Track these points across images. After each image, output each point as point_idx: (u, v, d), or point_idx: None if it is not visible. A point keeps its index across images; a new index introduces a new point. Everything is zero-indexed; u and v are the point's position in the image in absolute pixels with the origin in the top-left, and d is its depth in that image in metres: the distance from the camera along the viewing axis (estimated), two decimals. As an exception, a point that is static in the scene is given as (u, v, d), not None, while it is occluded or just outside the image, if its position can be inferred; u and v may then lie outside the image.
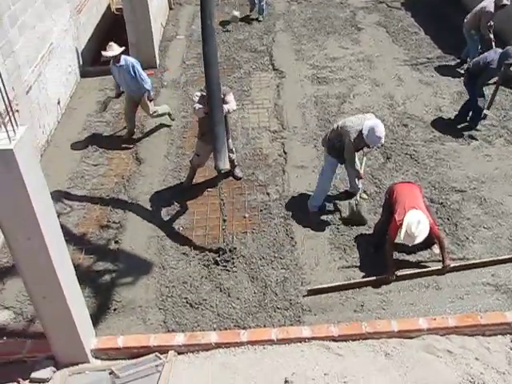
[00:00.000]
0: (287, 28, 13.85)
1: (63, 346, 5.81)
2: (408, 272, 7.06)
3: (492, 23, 10.97)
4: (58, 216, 5.52)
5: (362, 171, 7.77)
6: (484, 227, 7.72)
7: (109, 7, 14.32)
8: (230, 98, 7.93)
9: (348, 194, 8.20)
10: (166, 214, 8.08)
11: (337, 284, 6.93)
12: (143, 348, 5.95)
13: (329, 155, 7.81)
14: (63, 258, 5.38)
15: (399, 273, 6.99)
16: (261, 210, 8.09)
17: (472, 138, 9.53)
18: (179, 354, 5.96)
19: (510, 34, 11.66)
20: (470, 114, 9.85)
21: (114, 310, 6.69)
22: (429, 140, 9.47)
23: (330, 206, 8.14)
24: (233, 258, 7.27)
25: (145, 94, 9.44)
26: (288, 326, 6.35)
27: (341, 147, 7.54)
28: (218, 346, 5.99)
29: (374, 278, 6.96)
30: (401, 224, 6.63)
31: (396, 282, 6.92)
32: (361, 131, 7.31)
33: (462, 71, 11.36)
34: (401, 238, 6.65)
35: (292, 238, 7.60)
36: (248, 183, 8.62)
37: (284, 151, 9.30)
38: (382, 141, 7.40)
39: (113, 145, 9.68)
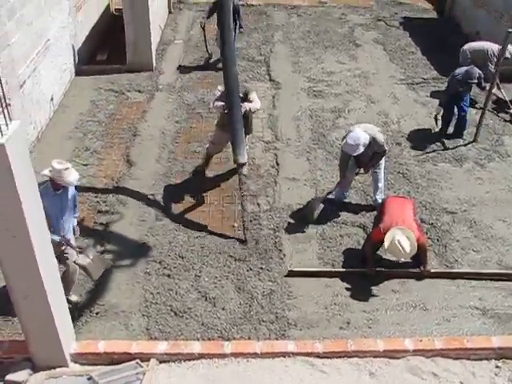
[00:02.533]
0: (285, 40, 13.83)
1: (42, 348, 5.66)
2: (387, 270, 7.25)
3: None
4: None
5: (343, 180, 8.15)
6: (473, 250, 7.70)
7: (108, 7, 14.23)
8: (254, 96, 8.29)
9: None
10: (154, 218, 7.98)
11: (318, 270, 7.22)
12: (124, 354, 5.81)
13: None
14: (48, 258, 5.26)
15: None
16: (250, 221, 7.99)
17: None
18: (161, 362, 5.83)
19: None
20: (454, 124, 10.11)
21: (97, 313, 6.56)
22: (422, 160, 9.46)
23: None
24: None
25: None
26: (273, 339, 6.27)
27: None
28: (201, 356, 5.87)
29: (356, 269, 7.23)
30: (384, 233, 6.80)
31: (383, 301, 6.88)
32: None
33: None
34: (386, 248, 6.85)
35: (280, 250, 7.53)
36: (239, 192, 8.53)
37: (276, 162, 9.24)
38: (356, 150, 7.61)
39: (104, 145, 9.56)
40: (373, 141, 7.68)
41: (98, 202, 8.25)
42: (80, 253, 6.35)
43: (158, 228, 7.82)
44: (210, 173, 8.91)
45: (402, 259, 6.89)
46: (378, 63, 12.86)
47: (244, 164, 7.96)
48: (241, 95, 8.06)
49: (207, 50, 12.52)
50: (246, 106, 8.07)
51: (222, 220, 8.02)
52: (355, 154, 7.70)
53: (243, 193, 7.87)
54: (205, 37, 12.37)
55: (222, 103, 8.06)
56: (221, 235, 7.74)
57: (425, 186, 8.82)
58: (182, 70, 12.15)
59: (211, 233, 7.78)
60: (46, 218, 5.69)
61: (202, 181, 8.74)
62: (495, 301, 6.97)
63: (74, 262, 6.38)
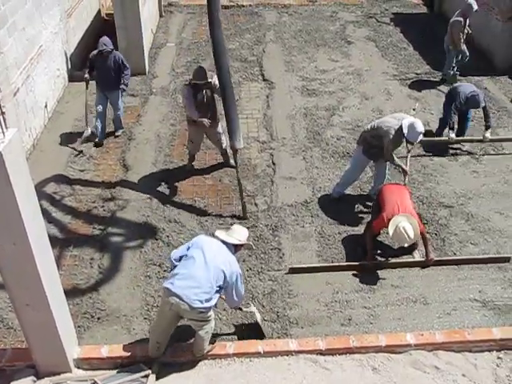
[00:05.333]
0: (278, 39, 13.85)
1: (45, 354, 5.66)
2: (387, 261, 7.39)
3: (462, 35, 11.34)
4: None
5: (407, 167, 8.07)
6: (471, 243, 7.75)
7: (99, 12, 14.24)
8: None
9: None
10: (152, 221, 7.98)
11: (318, 265, 7.27)
12: (128, 358, 5.82)
13: (363, 154, 8.12)
14: (48, 265, 5.26)
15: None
16: (250, 219, 8.01)
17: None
18: (165, 364, 5.85)
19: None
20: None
21: (98, 318, 6.56)
22: (417, 154, 9.48)
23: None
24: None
25: None
26: (275, 338, 6.28)
27: (378, 147, 7.86)
28: (204, 357, 5.89)
29: (356, 263, 7.30)
30: (388, 221, 6.95)
31: (384, 296, 6.90)
32: (399, 129, 7.66)
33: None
34: (390, 235, 7.00)
35: (280, 249, 7.54)
36: (236, 193, 8.54)
37: (273, 162, 9.26)
38: (422, 136, 7.76)
39: (100, 151, 9.56)
40: None
41: (95, 207, 8.25)
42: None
43: (158, 231, 7.82)
44: (206, 174, 8.93)
45: (406, 245, 7.01)
46: (371, 60, 12.92)
47: (239, 149, 8.06)
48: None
49: (87, 124, 9.70)
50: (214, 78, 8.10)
51: (220, 220, 8.03)
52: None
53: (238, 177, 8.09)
54: (86, 102, 9.81)
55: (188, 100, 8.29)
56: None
57: (421, 181, 8.85)
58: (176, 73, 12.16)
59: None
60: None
61: (199, 183, 8.77)
62: (494, 293, 7.00)
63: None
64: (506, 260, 7.47)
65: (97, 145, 9.63)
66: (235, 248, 5.77)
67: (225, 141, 8.88)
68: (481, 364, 6.06)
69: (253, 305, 6.53)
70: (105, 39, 9.37)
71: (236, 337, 6.35)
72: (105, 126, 9.80)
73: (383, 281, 7.13)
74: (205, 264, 5.45)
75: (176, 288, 5.41)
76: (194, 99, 8.30)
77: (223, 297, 5.84)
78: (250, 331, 6.38)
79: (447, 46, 11.68)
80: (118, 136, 9.91)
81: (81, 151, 9.45)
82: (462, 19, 11.32)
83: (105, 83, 9.48)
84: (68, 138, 9.82)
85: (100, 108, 9.54)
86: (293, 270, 7.21)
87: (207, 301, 5.42)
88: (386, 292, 6.99)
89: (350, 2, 16.53)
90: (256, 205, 8.32)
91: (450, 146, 9.70)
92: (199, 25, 14.73)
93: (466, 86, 9.66)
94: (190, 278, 5.42)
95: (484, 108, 9.48)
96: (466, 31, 11.41)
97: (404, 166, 8.03)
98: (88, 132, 9.57)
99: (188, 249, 5.67)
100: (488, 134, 9.58)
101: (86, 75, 9.61)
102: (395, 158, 7.93)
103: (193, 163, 9.06)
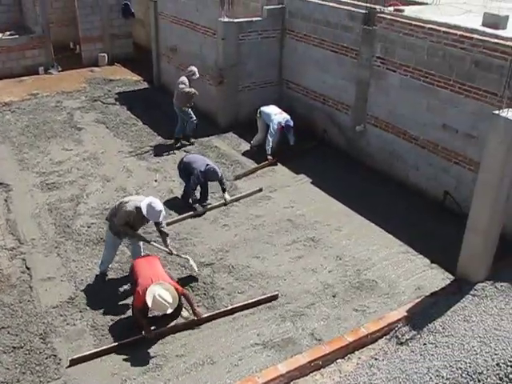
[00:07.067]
0: (5, 139, 13.24)
1: None
2: (163, 329, 7.48)
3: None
4: None
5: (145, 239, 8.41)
6: (238, 292, 8.20)
7: None
8: None
9: None
10: None
11: (98, 349, 7.11)
12: None
13: (110, 232, 8.31)
14: None
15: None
16: (12, 335, 7.43)
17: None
18: None
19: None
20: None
21: None
22: (169, 223, 9.76)
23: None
24: None
25: None
26: None
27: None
28: None
29: (136, 337, 7.31)
30: (144, 294, 7.06)
31: (172, 369, 6.92)
32: (139, 211, 7.87)
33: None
34: (150, 306, 7.12)
35: (55, 355, 7.10)
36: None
37: (27, 267, 8.72)
38: (163, 213, 8.06)
39: None
40: None
41: None
42: None
43: None
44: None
45: (169, 311, 7.15)
46: (104, 142, 13.11)
47: None
48: None
49: None
50: None
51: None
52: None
53: None
54: None
55: None
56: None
57: (178, 247, 9.09)
58: None
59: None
60: None
61: None
62: (271, 331, 7.48)
63: None
64: (274, 298, 8.04)
65: None
66: None
67: None
68: (275, 402, 6.42)
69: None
70: None
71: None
72: None
73: (167, 354, 7.15)
74: None
75: None
76: None
77: None
78: None
79: (179, 107, 12.53)
80: None
81: None
82: (186, 79, 12.45)
83: None
84: None
85: None
86: (74, 361, 6.95)
87: None
88: (173, 364, 7.02)
89: (73, 89, 16.60)
90: (21, 317, 7.70)
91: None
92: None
93: (198, 162, 10.26)
94: None
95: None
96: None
97: (145, 239, 8.41)
98: None
99: None
100: (227, 196, 10.51)
101: None
102: (134, 232, 8.22)
103: None
